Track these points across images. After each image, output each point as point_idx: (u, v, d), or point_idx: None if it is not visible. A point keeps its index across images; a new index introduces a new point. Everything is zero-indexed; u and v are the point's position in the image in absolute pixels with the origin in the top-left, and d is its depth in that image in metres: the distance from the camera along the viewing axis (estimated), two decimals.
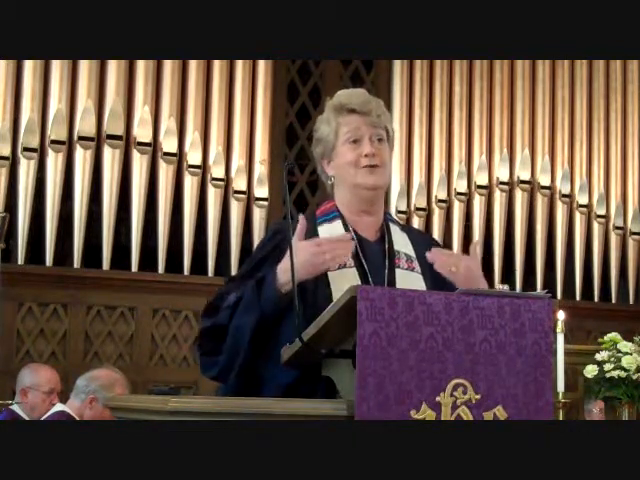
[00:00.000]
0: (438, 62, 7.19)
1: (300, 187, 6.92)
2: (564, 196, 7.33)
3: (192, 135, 6.50)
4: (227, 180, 6.56)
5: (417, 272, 2.76)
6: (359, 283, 2.59)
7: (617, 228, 7.44)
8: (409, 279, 2.71)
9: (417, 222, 6.93)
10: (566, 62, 7.48)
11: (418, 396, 2.26)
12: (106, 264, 6.22)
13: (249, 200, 6.60)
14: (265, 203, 6.61)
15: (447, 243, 6.92)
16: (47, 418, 4.43)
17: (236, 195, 6.55)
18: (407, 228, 2.97)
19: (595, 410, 4.75)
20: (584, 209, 7.36)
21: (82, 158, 6.24)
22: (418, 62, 7.16)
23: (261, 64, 6.76)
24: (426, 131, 7.13)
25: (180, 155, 6.46)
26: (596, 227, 7.40)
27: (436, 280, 2.72)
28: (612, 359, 4.51)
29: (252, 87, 6.73)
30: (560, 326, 4.28)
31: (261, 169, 6.64)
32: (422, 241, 2.89)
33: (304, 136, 6.81)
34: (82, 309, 6.24)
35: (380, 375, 2.23)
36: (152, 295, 6.35)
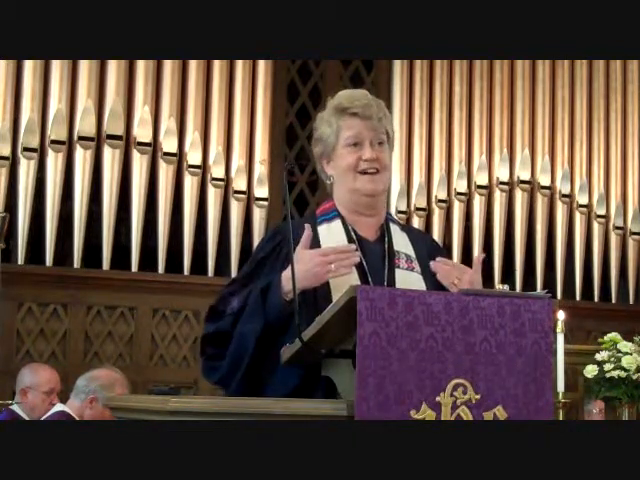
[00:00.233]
0: (438, 62, 7.18)
1: (300, 187, 6.91)
2: (564, 196, 7.32)
3: (192, 135, 6.50)
4: (227, 180, 6.56)
5: (417, 272, 2.76)
6: (359, 283, 2.59)
7: (617, 228, 7.43)
8: (409, 279, 2.71)
9: (417, 222, 6.92)
10: (566, 62, 7.47)
11: (418, 396, 2.26)
12: (106, 264, 6.22)
13: (249, 200, 6.60)
14: (265, 203, 6.61)
15: (447, 243, 6.92)
16: (47, 418, 4.43)
17: (236, 195, 6.55)
18: (407, 228, 2.97)
19: (595, 410, 4.74)
20: (584, 209, 7.36)
21: (82, 158, 6.24)
22: (418, 62, 7.16)
23: (261, 64, 6.75)
24: (426, 131, 7.13)
25: (180, 155, 6.46)
26: (596, 227, 7.39)
27: (436, 280, 2.72)
28: (612, 359, 4.51)
29: (252, 87, 6.73)
30: (560, 326, 4.28)
31: (261, 169, 6.63)
32: (422, 241, 2.90)
33: (304, 136, 6.81)
34: (82, 309, 6.24)
35: (380, 375, 2.23)
36: (152, 295, 6.35)
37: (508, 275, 7.07)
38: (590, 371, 4.55)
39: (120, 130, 6.31)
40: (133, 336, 6.33)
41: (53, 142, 6.18)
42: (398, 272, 2.73)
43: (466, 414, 2.30)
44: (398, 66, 7.14)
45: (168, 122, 6.44)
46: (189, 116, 6.53)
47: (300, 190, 6.91)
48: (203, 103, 6.58)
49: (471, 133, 7.21)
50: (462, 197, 7.10)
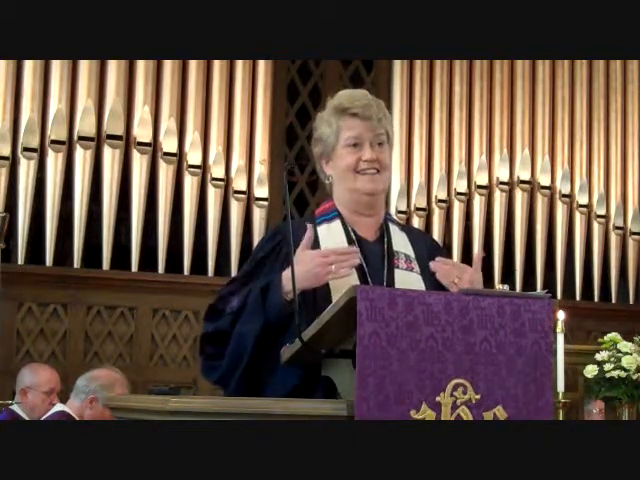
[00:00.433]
0: (438, 62, 7.18)
1: (300, 187, 6.91)
2: (564, 196, 7.32)
3: (192, 135, 6.50)
4: (227, 180, 6.56)
5: (416, 272, 2.76)
6: (358, 283, 2.59)
7: (617, 228, 7.43)
8: (408, 279, 2.71)
9: (417, 222, 6.92)
10: (566, 62, 7.47)
11: (418, 396, 2.26)
12: (106, 264, 6.22)
13: (249, 200, 6.60)
14: (265, 203, 6.61)
15: (447, 243, 6.92)
16: (47, 418, 4.43)
17: (236, 195, 6.55)
18: (407, 228, 2.97)
19: (595, 410, 4.74)
20: (584, 209, 7.36)
21: (82, 158, 6.24)
22: (418, 62, 7.16)
23: (261, 64, 6.75)
24: (426, 131, 7.13)
25: (180, 155, 6.46)
26: (596, 227, 7.39)
27: (435, 280, 2.72)
28: (612, 359, 4.51)
29: (252, 87, 6.73)
30: (560, 326, 4.28)
31: (261, 169, 6.63)
32: (422, 241, 2.90)
33: (304, 136, 6.81)
34: (82, 309, 6.24)
35: (380, 375, 2.23)
36: (152, 295, 6.35)
37: (508, 275, 7.07)
38: (590, 371, 4.54)
39: (120, 130, 6.31)
40: (133, 336, 6.33)
41: (53, 142, 6.18)
42: (397, 272, 2.73)
43: (466, 414, 2.30)
44: (398, 66, 7.14)
45: (168, 122, 6.44)
46: (189, 116, 6.52)
47: (300, 190, 6.91)
48: (203, 103, 6.58)
49: (471, 133, 7.21)
50: (462, 197, 7.10)
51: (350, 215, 2.79)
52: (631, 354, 4.50)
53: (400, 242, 2.81)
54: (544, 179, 7.29)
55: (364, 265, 2.70)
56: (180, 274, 6.38)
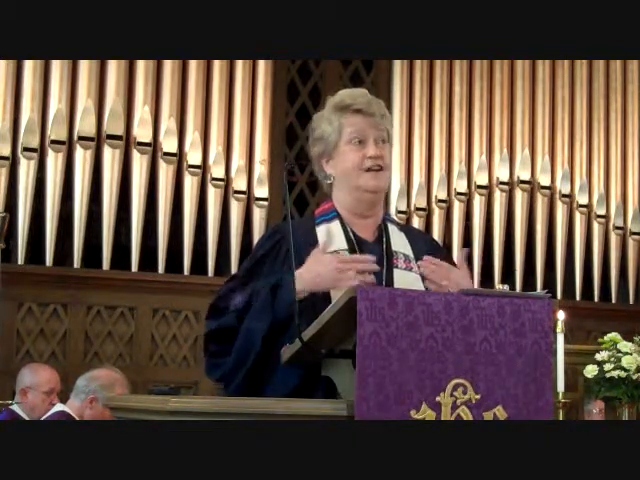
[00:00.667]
0: (438, 62, 7.18)
1: (300, 187, 6.91)
2: (564, 196, 7.32)
3: (192, 135, 6.50)
4: (227, 180, 6.56)
5: (415, 272, 2.76)
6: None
7: (617, 228, 7.43)
8: (407, 279, 2.71)
9: (417, 222, 6.92)
10: (566, 62, 7.47)
11: (418, 396, 2.26)
12: (106, 264, 6.22)
13: (249, 200, 6.60)
14: (265, 203, 6.60)
15: (447, 243, 6.92)
16: (47, 418, 4.43)
17: (236, 195, 6.55)
18: (406, 228, 2.97)
19: (595, 410, 4.74)
20: (584, 209, 7.36)
21: (82, 158, 6.24)
22: (418, 62, 7.16)
23: (261, 64, 6.75)
24: (426, 131, 7.13)
25: (180, 155, 6.45)
26: (596, 227, 7.39)
27: None
28: (612, 359, 4.51)
29: (252, 87, 6.73)
30: (560, 326, 4.28)
31: (261, 169, 6.63)
32: (422, 241, 2.90)
33: (304, 136, 6.79)
34: (82, 309, 6.24)
35: (380, 375, 2.23)
36: (152, 295, 6.35)
37: (508, 275, 7.07)
38: (590, 371, 4.55)
39: (120, 130, 6.31)
40: (133, 336, 6.33)
41: (53, 142, 6.18)
42: (396, 272, 2.73)
43: (466, 414, 2.30)
44: (398, 66, 7.14)
45: (168, 122, 6.43)
46: (189, 116, 6.52)
47: (300, 190, 6.91)
48: (203, 103, 6.58)
49: (471, 133, 7.21)
50: (462, 197, 7.10)
51: (349, 216, 2.79)
52: (631, 354, 4.50)
53: (399, 242, 2.81)
54: (544, 179, 7.29)
55: None
56: (180, 274, 6.38)
